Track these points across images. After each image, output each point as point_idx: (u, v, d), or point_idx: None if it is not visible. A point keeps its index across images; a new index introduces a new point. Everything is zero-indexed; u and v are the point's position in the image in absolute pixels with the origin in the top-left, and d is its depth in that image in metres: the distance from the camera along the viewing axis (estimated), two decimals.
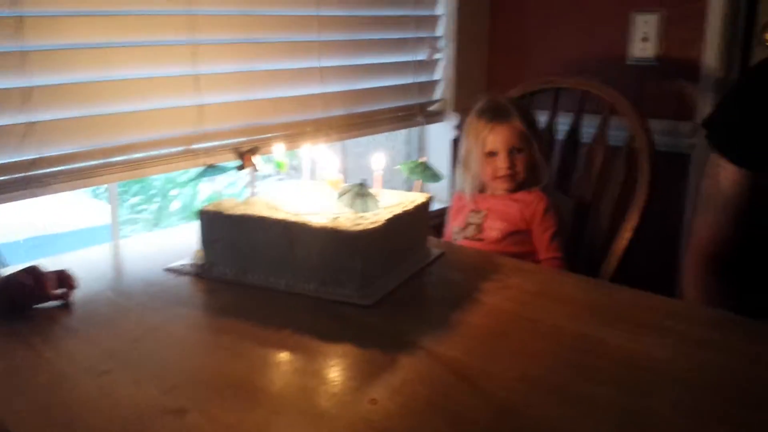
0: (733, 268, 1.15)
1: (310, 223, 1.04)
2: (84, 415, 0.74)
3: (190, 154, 1.51)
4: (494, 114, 1.49)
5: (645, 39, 1.87)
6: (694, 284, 1.19)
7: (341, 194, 1.03)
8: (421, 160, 1.21)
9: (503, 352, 0.88)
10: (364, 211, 1.02)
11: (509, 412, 0.74)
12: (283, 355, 0.88)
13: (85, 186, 1.37)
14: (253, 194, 1.23)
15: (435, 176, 1.21)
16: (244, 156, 1.16)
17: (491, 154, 1.48)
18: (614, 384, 0.79)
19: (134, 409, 0.75)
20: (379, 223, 1.03)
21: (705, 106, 1.78)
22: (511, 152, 1.47)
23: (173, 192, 4.45)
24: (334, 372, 0.84)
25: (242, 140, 1.59)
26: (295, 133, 1.69)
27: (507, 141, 1.46)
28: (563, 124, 1.71)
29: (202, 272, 1.15)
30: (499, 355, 0.87)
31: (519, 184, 1.49)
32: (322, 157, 1.23)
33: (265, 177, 1.31)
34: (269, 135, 1.65)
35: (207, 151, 1.53)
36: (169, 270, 1.17)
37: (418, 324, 0.97)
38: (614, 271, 1.47)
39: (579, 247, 1.59)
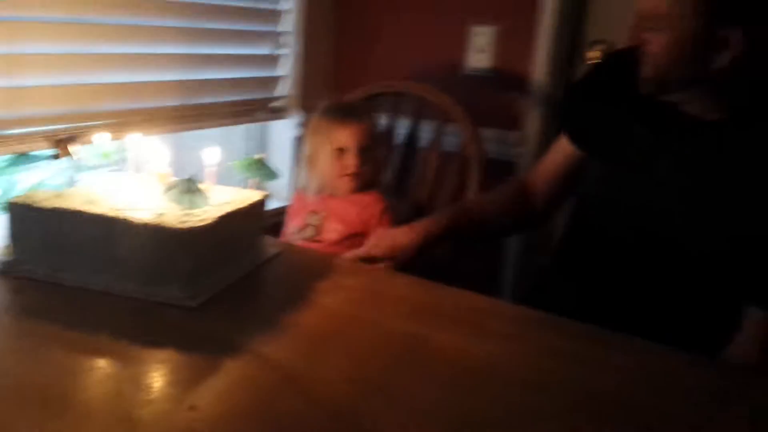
0: (535, 215, 1.39)
1: (131, 219, 0.97)
2: None
3: (1, 140, 1.37)
4: (346, 113, 1.49)
5: (481, 51, 1.96)
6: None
7: (168, 189, 0.97)
8: (257, 157, 1.17)
9: (333, 354, 0.87)
10: (192, 208, 0.97)
11: (338, 415, 0.73)
12: (96, 361, 0.81)
13: None
14: (71, 186, 1.13)
15: (271, 174, 1.18)
16: (61, 144, 1.06)
17: (341, 151, 1.47)
18: (436, 382, 0.81)
19: None
20: (209, 221, 0.98)
21: (533, 118, 1.89)
22: (361, 151, 1.47)
23: None
24: (152, 378, 0.78)
25: (63, 127, 1.46)
26: (122, 122, 1.58)
27: (358, 139, 1.47)
28: (403, 128, 1.74)
29: (8, 269, 1.04)
30: (328, 356, 0.86)
31: (363, 184, 1.50)
32: (151, 149, 1.15)
33: (90, 168, 1.21)
34: (94, 123, 1.53)
35: (21, 138, 1.39)
36: None
37: (247, 326, 0.93)
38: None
39: None
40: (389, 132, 1.74)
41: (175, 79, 1.72)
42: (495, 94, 1.95)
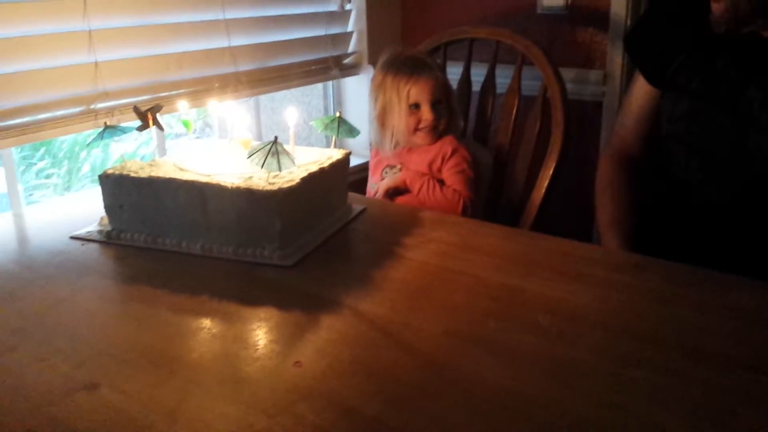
0: (637, 170, 1.28)
1: (222, 184, 0.99)
2: None
3: (90, 115, 1.42)
4: (413, 67, 1.46)
5: None
6: (603, 174, 1.30)
7: (252, 153, 0.98)
8: (335, 115, 1.17)
9: (428, 307, 0.87)
10: (278, 170, 0.98)
11: (435, 366, 0.74)
12: (201, 322, 0.84)
13: None
14: (159, 155, 1.16)
15: (351, 131, 1.17)
16: (145, 115, 1.09)
17: (415, 107, 1.45)
18: (536, 332, 0.80)
19: (43, 387, 0.70)
20: (295, 182, 0.99)
21: (614, 55, 1.81)
22: (434, 104, 1.45)
23: (82, 154, 4.22)
24: (256, 336, 0.81)
25: (146, 98, 1.50)
26: (201, 89, 1.61)
27: (430, 93, 1.44)
28: (478, 75, 1.70)
29: (110, 239, 1.09)
30: (423, 309, 0.86)
31: (442, 133, 1.48)
32: (233, 114, 1.17)
33: (178, 136, 1.25)
34: (174, 92, 1.56)
35: (109, 111, 1.44)
36: (75, 238, 1.10)
37: (341, 283, 0.95)
38: (533, 220, 1.49)
39: (499, 198, 1.60)
40: (466, 80, 1.70)
41: (249, 43, 1.73)
42: (572, 33, 1.87)
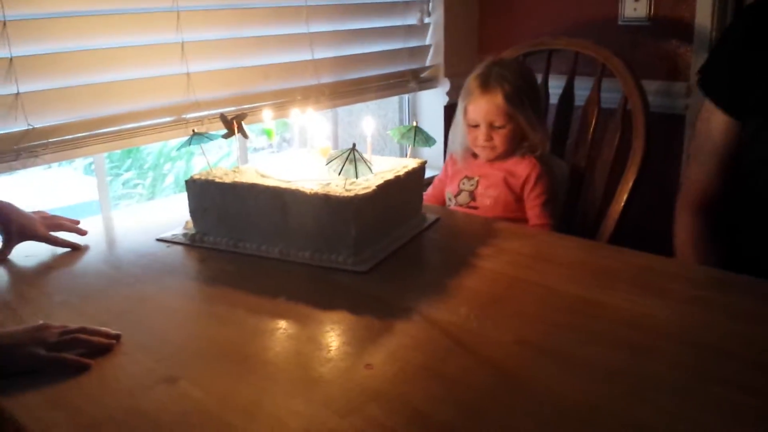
0: (720, 214, 1.18)
1: (302, 190, 1.02)
2: (74, 387, 0.72)
3: (181, 124, 1.49)
4: (481, 84, 1.46)
5: None
6: (684, 229, 1.20)
7: (330, 160, 1.01)
8: (412, 125, 1.18)
9: (500, 316, 0.87)
10: (355, 177, 1.00)
11: (506, 375, 0.74)
12: (277, 323, 0.86)
13: (74, 156, 1.35)
14: (241, 163, 1.20)
15: (427, 140, 1.19)
16: (231, 123, 1.13)
17: (473, 125, 1.46)
18: (614, 345, 0.78)
19: (125, 380, 0.74)
20: (371, 189, 1.01)
21: (699, 67, 1.75)
22: (490, 126, 1.44)
23: (167, 166, 4.41)
24: (329, 338, 0.83)
25: (232, 109, 1.56)
26: (284, 101, 1.66)
27: (486, 116, 1.44)
28: (556, 87, 1.68)
29: (194, 242, 1.13)
30: (496, 318, 0.86)
31: (500, 155, 1.47)
32: (313, 124, 1.20)
33: (258, 150, 1.29)
34: (259, 104, 1.62)
35: (199, 120, 1.50)
36: (161, 240, 1.15)
37: (414, 289, 0.96)
38: (611, 233, 1.45)
39: (574, 211, 1.58)
40: (543, 91, 1.69)
41: (330, 56, 1.77)
42: (655, 44, 1.82)
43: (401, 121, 2.20)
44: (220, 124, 1.15)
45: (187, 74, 1.47)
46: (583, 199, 1.58)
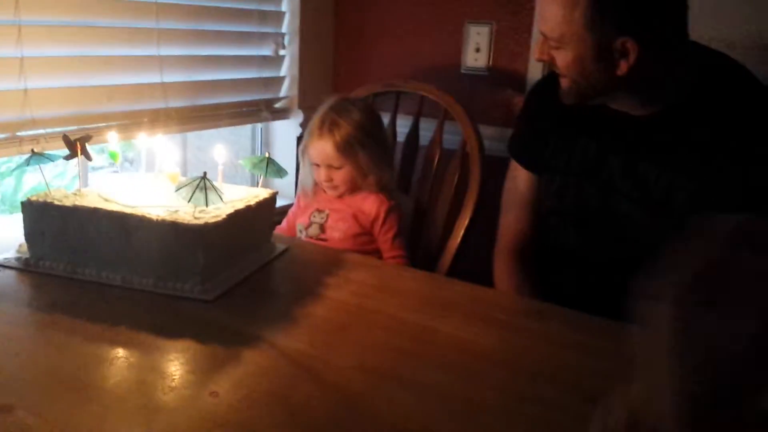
0: (532, 256, 1.36)
1: (148, 216, 1.00)
2: None
3: (15, 141, 1.40)
4: (318, 128, 1.50)
5: (478, 50, 1.99)
6: (502, 277, 1.35)
7: (180, 187, 1.01)
8: (264, 156, 1.21)
9: (344, 343, 0.91)
10: (205, 205, 1.00)
11: (348, 399, 0.77)
12: (118, 351, 0.84)
13: None
14: (83, 185, 1.16)
15: (279, 171, 1.21)
16: (74, 144, 1.09)
17: (315, 163, 1.52)
18: (446, 370, 0.85)
19: None
20: (221, 218, 1.02)
21: None
22: (329, 167, 1.50)
23: None
24: (173, 367, 0.82)
25: (74, 128, 1.50)
26: (131, 123, 1.62)
27: (323, 158, 1.49)
28: (404, 126, 1.78)
29: (28, 266, 1.07)
30: (340, 346, 0.90)
31: (344, 192, 1.53)
32: (161, 148, 1.19)
33: (97, 169, 1.25)
34: (104, 124, 1.56)
35: (35, 139, 1.42)
36: None
37: (261, 318, 0.97)
38: (449, 266, 1.55)
39: (418, 244, 1.67)
40: (391, 131, 1.78)
41: (181, 80, 1.75)
42: (492, 92, 1.99)
43: (253, 149, 2.21)
44: (60, 143, 1.11)
45: (25, 90, 1.39)
46: (426, 233, 1.68)
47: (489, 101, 1.97)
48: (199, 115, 1.82)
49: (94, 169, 2.58)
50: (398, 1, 2.11)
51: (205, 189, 1.00)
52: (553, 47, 1.12)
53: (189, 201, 0.99)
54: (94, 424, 0.68)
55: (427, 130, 1.73)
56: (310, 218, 1.54)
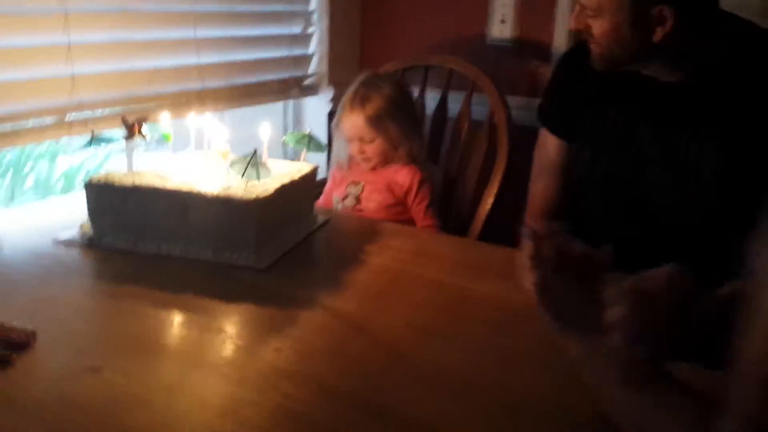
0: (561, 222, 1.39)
1: (204, 193, 1.08)
2: (0, 380, 0.76)
3: (65, 125, 1.49)
4: (350, 103, 1.57)
5: (503, 21, 2.03)
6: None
7: (233, 163, 1.09)
8: (306, 132, 1.28)
9: (390, 304, 0.99)
10: (257, 180, 1.08)
11: (398, 354, 0.85)
12: (186, 315, 0.93)
13: None
14: (132, 165, 1.23)
15: (319, 147, 1.29)
16: (132, 125, 1.17)
17: (347, 138, 1.59)
18: (485, 325, 0.93)
19: (50, 371, 0.78)
20: (270, 192, 1.10)
21: None
22: (361, 140, 1.57)
23: (27, 166, 4.16)
24: (237, 327, 0.91)
25: (116, 111, 1.58)
26: (170, 103, 1.69)
27: (355, 131, 1.56)
28: (433, 99, 1.84)
29: (92, 243, 1.16)
30: (386, 306, 0.98)
31: (377, 164, 1.60)
32: (211, 127, 1.26)
33: (145, 149, 1.32)
34: (143, 106, 1.64)
35: (83, 122, 1.51)
36: (59, 242, 1.17)
37: (311, 283, 1.06)
38: (480, 232, 1.62)
39: (449, 212, 1.73)
40: (420, 103, 1.83)
41: (216, 62, 1.82)
42: (518, 63, 2.03)
43: (285, 127, 2.28)
44: (106, 124, 1.19)
45: (72, 77, 1.47)
46: (456, 202, 1.74)
47: (515, 72, 2.02)
48: (233, 94, 1.89)
49: (144, 149, 2.66)
50: None
51: (257, 164, 1.07)
52: (590, 16, 1.14)
53: (242, 176, 1.07)
54: (175, 379, 0.77)
55: (455, 102, 1.79)
56: (346, 190, 1.62)
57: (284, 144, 1.36)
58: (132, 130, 1.18)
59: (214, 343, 0.86)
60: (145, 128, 1.19)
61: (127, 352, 0.83)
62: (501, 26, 2.04)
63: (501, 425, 0.72)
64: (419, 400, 0.75)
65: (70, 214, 1.23)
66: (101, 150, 2.05)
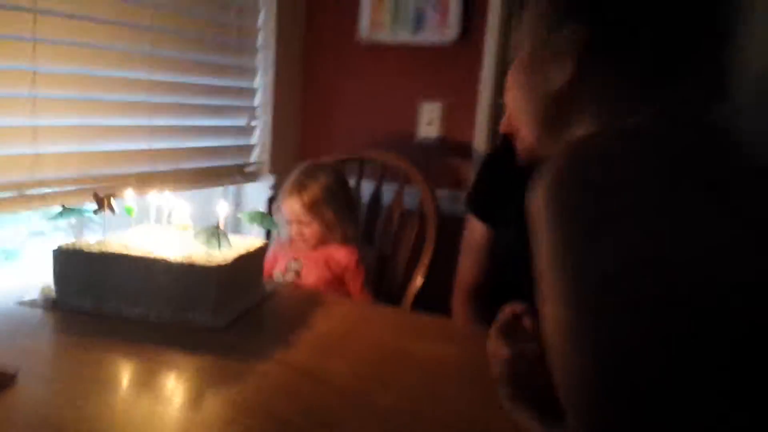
0: (486, 297, 1.56)
1: (168, 259, 1.20)
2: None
3: (24, 199, 1.58)
4: (292, 187, 1.77)
5: (430, 123, 2.29)
6: (461, 315, 1.56)
7: (198, 233, 1.22)
8: (260, 210, 1.43)
9: (336, 356, 1.12)
10: (218, 249, 1.21)
11: (346, 395, 0.98)
12: (150, 364, 1.03)
13: None
14: (75, 238, 1.33)
15: (272, 224, 1.44)
16: (103, 200, 1.29)
17: (288, 220, 1.76)
18: (421, 375, 1.07)
19: (31, 406, 0.87)
20: (230, 259, 1.23)
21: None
22: (299, 223, 1.75)
23: None
24: (199, 373, 1.02)
25: (74, 188, 1.68)
26: (124, 183, 1.81)
27: (293, 215, 1.75)
28: (369, 189, 2.03)
29: (56, 305, 1.25)
30: (333, 358, 1.11)
31: (315, 245, 1.76)
32: (171, 203, 1.40)
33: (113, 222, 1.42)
34: (98, 185, 1.75)
35: (42, 197, 1.61)
36: (22, 303, 1.25)
37: (265, 341, 1.18)
38: (410, 307, 1.78)
39: (380, 288, 1.90)
40: (357, 192, 2.02)
41: (169, 147, 1.97)
42: (443, 159, 2.27)
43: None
44: (63, 200, 1.30)
45: (36, 155, 1.58)
46: (388, 280, 1.91)
47: (441, 167, 2.25)
48: (183, 177, 2.03)
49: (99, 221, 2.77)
50: (360, 82, 2.40)
51: (218, 235, 1.21)
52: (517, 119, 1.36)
53: (206, 245, 1.20)
54: (144, 414, 0.87)
55: (389, 192, 1.99)
56: (287, 266, 1.76)
57: (239, 220, 1.49)
58: (102, 204, 1.29)
59: (178, 383, 0.97)
60: (114, 202, 1.31)
61: (101, 392, 0.92)
62: (428, 127, 2.28)
63: None
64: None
65: (27, 280, 1.32)
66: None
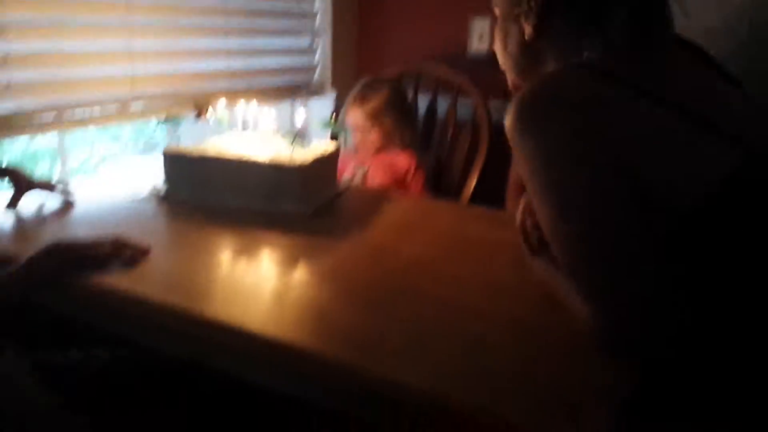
0: None
1: (258, 160, 1.41)
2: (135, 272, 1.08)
3: (124, 111, 1.82)
4: (354, 99, 1.96)
5: (481, 38, 2.41)
6: (515, 208, 1.73)
7: (284, 137, 1.43)
8: (332, 119, 1.63)
9: (408, 238, 1.32)
10: (300, 149, 1.42)
11: (415, 264, 1.18)
12: (259, 245, 1.26)
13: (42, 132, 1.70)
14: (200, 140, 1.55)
15: (341, 129, 1.64)
16: (202, 107, 1.50)
17: (351, 130, 1.96)
18: (477, 261, 1.26)
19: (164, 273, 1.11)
20: (310, 160, 1.44)
21: None
22: (362, 130, 1.94)
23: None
24: (293, 250, 1.24)
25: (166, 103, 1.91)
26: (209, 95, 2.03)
27: (356, 122, 1.95)
28: (425, 101, 2.19)
29: (166, 197, 1.49)
30: (405, 238, 1.31)
31: (377, 150, 1.96)
32: (259, 112, 1.60)
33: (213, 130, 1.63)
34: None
35: (138, 111, 1.84)
36: (137, 198, 1.49)
37: (345, 226, 1.39)
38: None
39: (438, 192, 2.09)
40: (414, 103, 2.19)
41: (243, 68, 2.17)
42: (494, 72, 2.39)
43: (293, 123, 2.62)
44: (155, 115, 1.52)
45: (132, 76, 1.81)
46: (444, 184, 2.10)
47: (492, 79, 2.38)
48: (256, 94, 2.23)
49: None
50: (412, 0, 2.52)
51: (301, 138, 1.41)
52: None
53: (290, 147, 1.41)
54: (253, 278, 1.10)
55: (443, 103, 2.15)
56: (354, 171, 1.96)
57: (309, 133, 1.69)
58: (200, 112, 1.50)
59: (276, 255, 1.20)
60: (210, 111, 1.52)
61: (216, 262, 1.16)
62: (479, 41, 2.41)
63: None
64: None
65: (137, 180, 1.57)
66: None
